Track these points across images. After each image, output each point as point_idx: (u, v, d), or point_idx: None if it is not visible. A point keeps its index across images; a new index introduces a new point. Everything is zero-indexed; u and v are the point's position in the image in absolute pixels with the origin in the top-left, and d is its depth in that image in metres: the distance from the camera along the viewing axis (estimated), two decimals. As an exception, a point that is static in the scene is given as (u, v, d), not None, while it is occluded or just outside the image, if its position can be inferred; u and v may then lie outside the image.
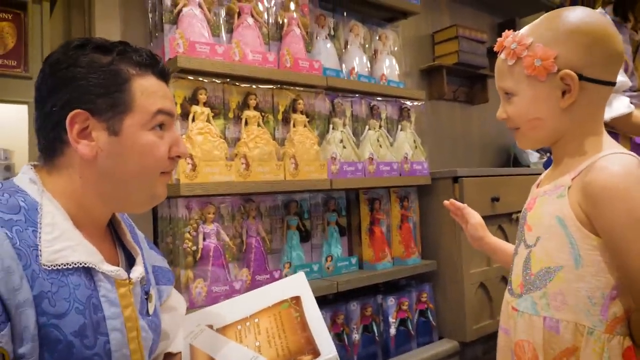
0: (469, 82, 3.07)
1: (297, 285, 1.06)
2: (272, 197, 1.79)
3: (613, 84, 0.85)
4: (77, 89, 0.78)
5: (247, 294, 1.12)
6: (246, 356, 0.91)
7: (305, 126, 1.83)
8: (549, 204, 0.87)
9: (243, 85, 1.69)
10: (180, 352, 1.00)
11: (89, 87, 0.78)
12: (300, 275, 1.08)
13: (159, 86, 0.85)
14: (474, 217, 1.15)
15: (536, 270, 0.86)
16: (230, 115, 1.67)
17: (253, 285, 1.64)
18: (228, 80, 1.65)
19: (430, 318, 2.12)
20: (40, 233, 0.74)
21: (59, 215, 0.77)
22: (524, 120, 0.89)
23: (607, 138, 0.87)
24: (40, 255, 0.72)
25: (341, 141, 1.94)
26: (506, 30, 0.91)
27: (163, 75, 0.88)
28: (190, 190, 1.44)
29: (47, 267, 0.73)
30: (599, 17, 0.85)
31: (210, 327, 1.02)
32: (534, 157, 3.05)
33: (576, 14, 0.84)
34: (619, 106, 1.64)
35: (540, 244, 0.87)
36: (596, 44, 0.82)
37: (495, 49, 0.93)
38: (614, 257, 0.77)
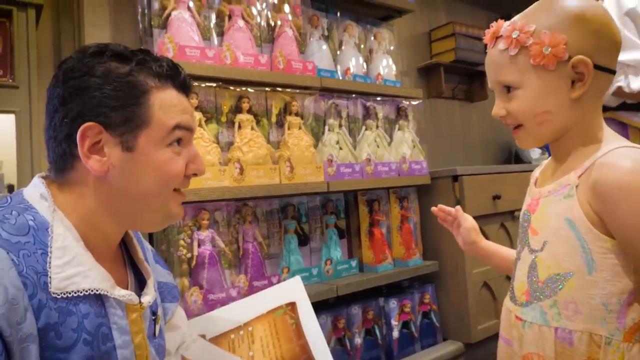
0: (468, 79, 3.04)
1: (293, 290, 1.03)
2: (269, 201, 1.76)
3: (614, 72, 0.81)
4: (90, 100, 0.72)
5: (241, 301, 1.09)
6: None
7: (300, 128, 1.80)
8: (555, 205, 0.81)
9: (235, 88, 1.66)
10: None
11: (103, 98, 0.73)
12: (296, 280, 1.05)
13: (179, 99, 0.79)
14: (467, 221, 1.08)
15: (544, 278, 0.81)
16: (223, 119, 1.64)
17: (251, 291, 1.61)
18: (220, 83, 1.62)
19: (434, 320, 2.09)
20: (50, 258, 0.69)
21: (70, 237, 0.72)
22: (530, 115, 0.81)
23: (608, 130, 0.83)
24: (50, 283, 0.67)
25: (337, 142, 1.91)
26: (497, 20, 0.85)
27: (184, 87, 0.82)
28: (183, 196, 1.41)
29: (56, 295, 0.67)
30: (598, 4, 0.82)
31: (203, 336, 0.99)
32: (535, 153, 3.02)
33: (574, 0, 0.79)
34: None
35: (547, 249, 0.81)
36: (602, 30, 0.78)
37: (486, 40, 0.86)
38: (630, 258, 0.73)
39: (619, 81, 1.79)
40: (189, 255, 1.50)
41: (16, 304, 0.62)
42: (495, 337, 2.27)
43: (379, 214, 2.03)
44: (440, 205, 1.13)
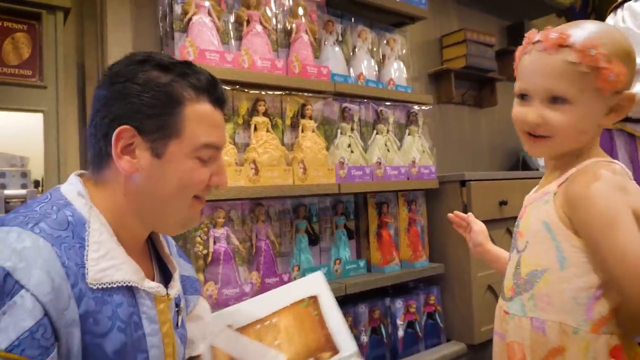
0: (477, 85, 3.07)
1: (314, 284, 1.07)
2: (281, 201, 1.81)
3: None
4: (129, 105, 0.78)
5: (265, 294, 1.12)
6: (267, 355, 0.92)
7: (313, 131, 1.85)
8: (536, 210, 0.90)
9: (252, 91, 1.72)
10: (200, 355, 1.01)
11: (140, 105, 0.78)
12: (318, 275, 1.09)
13: (212, 114, 0.83)
14: (477, 224, 1.15)
15: (525, 274, 0.89)
16: (240, 121, 1.70)
17: (262, 288, 1.66)
18: (237, 86, 1.68)
19: (438, 320, 2.14)
20: (87, 251, 0.74)
21: (105, 232, 0.78)
22: (568, 131, 0.83)
23: (598, 147, 0.89)
24: (87, 274, 0.73)
25: (349, 146, 1.96)
26: (561, 28, 0.83)
27: (219, 102, 0.85)
28: (200, 195, 1.47)
29: (92, 286, 0.73)
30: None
31: (230, 327, 1.04)
32: (542, 160, 3.05)
33: (623, 33, 0.84)
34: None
35: (528, 249, 0.90)
36: (636, 69, 0.84)
37: (547, 46, 0.82)
38: (594, 257, 0.80)
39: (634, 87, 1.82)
40: (204, 251, 1.56)
41: (61, 292, 0.69)
42: (498, 339, 2.30)
43: (387, 216, 2.08)
44: (456, 212, 1.20)
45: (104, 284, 0.75)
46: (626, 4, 1.84)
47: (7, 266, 0.65)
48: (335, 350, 0.89)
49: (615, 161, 0.85)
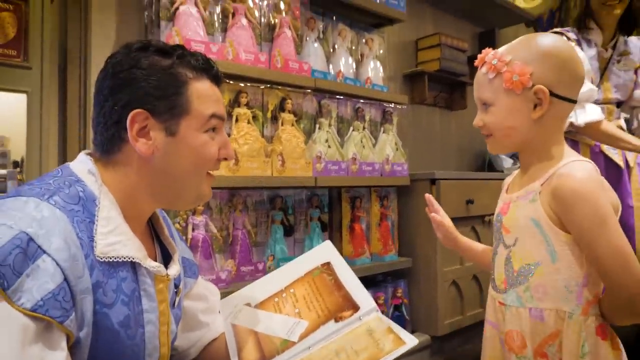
0: (449, 88, 3.18)
1: (324, 253, 1.09)
2: (259, 192, 1.85)
3: (574, 101, 0.98)
4: (138, 90, 0.82)
5: (276, 271, 1.14)
6: (288, 323, 0.94)
7: (292, 125, 1.90)
8: (522, 208, 0.98)
9: (235, 83, 1.75)
10: (222, 333, 1.04)
11: (149, 88, 0.82)
12: (327, 244, 1.11)
13: (213, 90, 0.89)
14: (447, 220, 1.22)
15: (517, 267, 0.98)
16: (222, 111, 1.72)
17: (238, 275, 1.71)
18: (221, 77, 1.71)
19: (404, 312, 2.22)
20: (96, 226, 0.78)
21: (114, 210, 0.81)
22: (498, 128, 0.98)
23: (567, 147, 0.99)
24: (95, 247, 0.76)
25: (326, 141, 2.02)
26: (486, 48, 1.01)
27: (216, 79, 0.91)
28: (182, 182, 1.49)
29: (100, 259, 0.77)
30: (568, 44, 0.98)
31: (248, 305, 1.06)
32: (507, 162, 3.18)
33: (549, 39, 0.96)
34: (592, 112, 1.77)
35: (518, 244, 0.99)
36: (565, 66, 0.95)
37: (476, 64, 1.02)
38: (584, 250, 0.90)
39: (570, 117, 1.91)
40: (183, 238, 1.59)
41: (77, 260, 0.72)
42: (460, 332, 2.42)
43: (360, 211, 2.15)
44: (430, 195, 1.24)
45: (111, 258, 0.78)
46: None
47: (30, 231, 0.68)
48: (355, 308, 0.91)
49: (587, 159, 0.96)
